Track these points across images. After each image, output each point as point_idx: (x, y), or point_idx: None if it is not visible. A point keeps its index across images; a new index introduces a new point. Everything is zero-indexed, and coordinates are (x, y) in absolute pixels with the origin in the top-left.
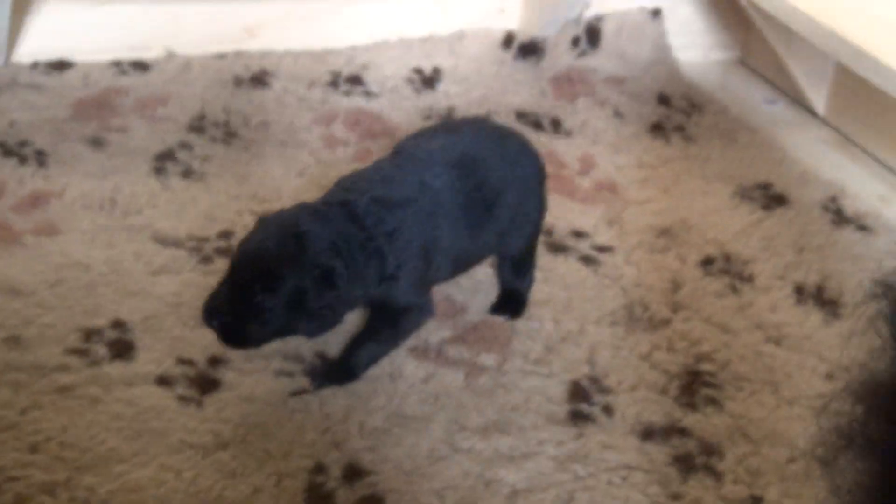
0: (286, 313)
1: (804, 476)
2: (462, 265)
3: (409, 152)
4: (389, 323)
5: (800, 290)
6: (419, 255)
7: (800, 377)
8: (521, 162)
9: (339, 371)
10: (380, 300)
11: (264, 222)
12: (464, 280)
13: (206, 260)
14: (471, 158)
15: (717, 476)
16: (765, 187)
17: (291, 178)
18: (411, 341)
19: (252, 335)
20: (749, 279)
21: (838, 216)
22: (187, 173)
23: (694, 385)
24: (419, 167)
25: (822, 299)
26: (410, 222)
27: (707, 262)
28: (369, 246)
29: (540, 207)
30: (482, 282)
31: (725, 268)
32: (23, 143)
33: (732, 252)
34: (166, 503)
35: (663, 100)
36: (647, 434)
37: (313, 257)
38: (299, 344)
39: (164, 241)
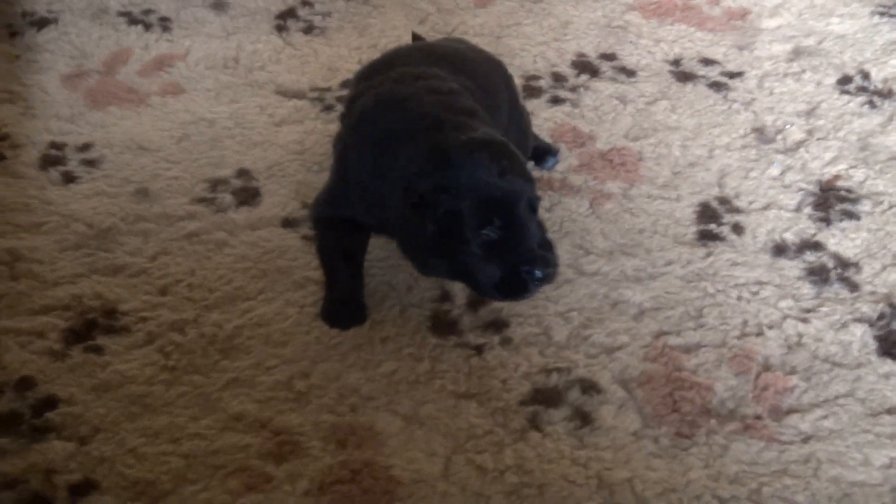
0: None
1: None
2: None
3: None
4: None
5: None
6: None
7: None
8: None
9: None
10: None
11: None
12: (588, 112)
13: (328, 108)
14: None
15: (854, 287)
16: None
17: (414, 25)
18: (535, 173)
19: None
20: (889, 95)
21: None
22: (308, 29)
23: (829, 201)
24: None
25: None
26: None
27: (844, 81)
28: None
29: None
30: (607, 112)
31: (864, 86)
32: (147, 12)
33: (872, 70)
34: (292, 336)
35: None
36: (780, 250)
37: None
38: None
39: (286, 93)
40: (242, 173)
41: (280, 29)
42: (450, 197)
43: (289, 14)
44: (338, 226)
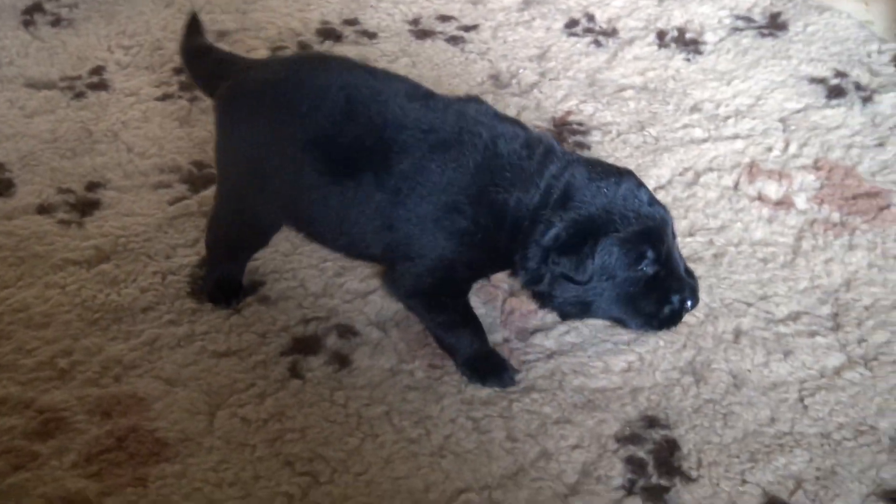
0: None
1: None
2: None
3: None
4: None
5: (662, 36)
6: None
7: (664, 114)
8: None
9: None
10: None
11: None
12: None
13: (80, 96)
14: None
15: None
16: None
17: (160, 10)
18: None
19: None
20: (613, 33)
21: None
22: (56, 21)
23: (563, 135)
24: None
25: (685, 41)
26: None
27: (572, 25)
28: None
29: None
30: None
31: (589, 27)
32: None
33: (596, 12)
34: (52, 316)
35: None
36: None
37: None
38: (176, 156)
39: (36, 85)
40: None
41: (27, 24)
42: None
43: (35, 9)
44: None
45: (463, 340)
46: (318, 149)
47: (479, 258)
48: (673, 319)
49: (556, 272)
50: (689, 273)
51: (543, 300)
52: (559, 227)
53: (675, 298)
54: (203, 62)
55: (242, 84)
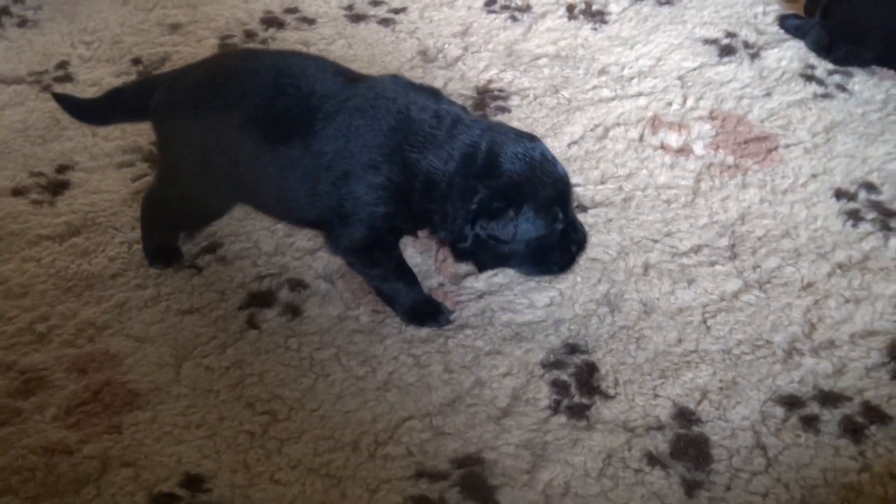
0: None
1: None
2: None
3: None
4: None
5: (571, 9)
6: None
7: (575, 78)
8: None
9: None
10: None
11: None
12: None
13: (47, 88)
14: None
15: None
16: None
17: (118, 7)
18: None
19: None
20: (527, 9)
21: None
22: (22, 23)
23: (486, 101)
24: None
25: (591, 12)
26: None
27: (490, 3)
28: None
29: None
30: None
31: (506, 4)
32: None
33: None
34: (30, 287)
35: None
36: None
37: None
38: (137, 137)
39: (6, 80)
40: None
41: None
42: None
43: (2, 12)
44: None
45: (399, 291)
46: (255, 124)
47: (396, 212)
48: (570, 265)
49: (482, 234)
50: (579, 222)
51: (465, 256)
52: (485, 193)
53: (574, 248)
54: (126, 103)
55: (175, 91)
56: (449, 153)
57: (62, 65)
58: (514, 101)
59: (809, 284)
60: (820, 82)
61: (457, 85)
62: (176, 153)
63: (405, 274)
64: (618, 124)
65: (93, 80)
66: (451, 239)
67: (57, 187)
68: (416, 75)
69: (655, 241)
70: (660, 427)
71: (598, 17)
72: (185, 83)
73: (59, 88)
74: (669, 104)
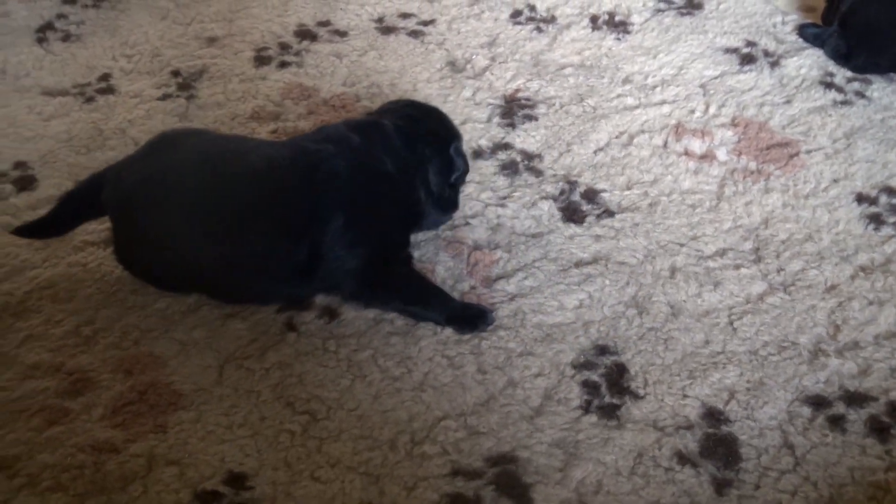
0: None
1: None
2: None
3: None
4: None
5: (594, 20)
6: None
7: (600, 87)
8: None
9: None
10: None
11: None
12: (311, 70)
13: (90, 100)
14: None
15: (539, 173)
16: None
17: (157, 22)
18: None
19: None
20: (552, 20)
21: None
22: (66, 37)
23: (513, 109)
24: None
25: (615, 23)
26: None
27: (516, 15)
28: None
29: None
30: (326, 68)
31: (531, 16)
32: None
33: (537, 3)
34: (76, 291)
35: None
36: (477, 154)
37: None
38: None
39: (51, 92)
40: (19, 165)
41: (41, 41)
42: None
43: (47, 27)
44: None
45: (432, 305)
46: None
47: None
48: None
49: (456, 187)
50: None
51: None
52: (437, 161)
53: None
54: (83, 202)
55: (121, 185)
56: (401, 158)
57: (104, 77)
58: (540, 109)
59: (833, 287)
60: (839, 89)
61: (485, 94)
62: (135, 243)
63: (429, 286)
64: (642, 131)
65: (134, 92)
66: (447, 208)
67: None
68: (446, 85)
69: (681, 245)
70: (689, 426)
71: (620, 27)
72: (131, 177)
73: (102, 100)
74: (692, 112)
